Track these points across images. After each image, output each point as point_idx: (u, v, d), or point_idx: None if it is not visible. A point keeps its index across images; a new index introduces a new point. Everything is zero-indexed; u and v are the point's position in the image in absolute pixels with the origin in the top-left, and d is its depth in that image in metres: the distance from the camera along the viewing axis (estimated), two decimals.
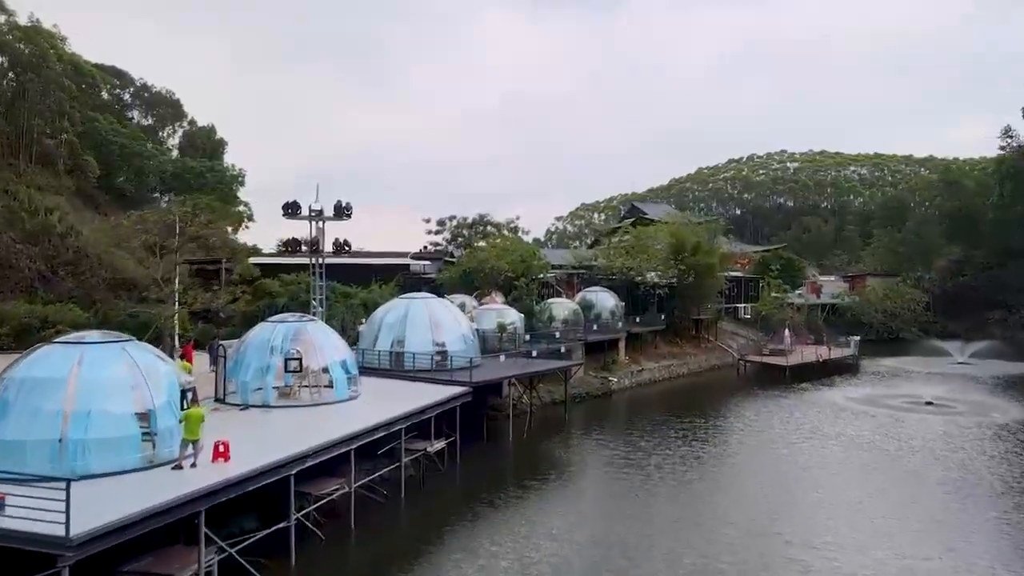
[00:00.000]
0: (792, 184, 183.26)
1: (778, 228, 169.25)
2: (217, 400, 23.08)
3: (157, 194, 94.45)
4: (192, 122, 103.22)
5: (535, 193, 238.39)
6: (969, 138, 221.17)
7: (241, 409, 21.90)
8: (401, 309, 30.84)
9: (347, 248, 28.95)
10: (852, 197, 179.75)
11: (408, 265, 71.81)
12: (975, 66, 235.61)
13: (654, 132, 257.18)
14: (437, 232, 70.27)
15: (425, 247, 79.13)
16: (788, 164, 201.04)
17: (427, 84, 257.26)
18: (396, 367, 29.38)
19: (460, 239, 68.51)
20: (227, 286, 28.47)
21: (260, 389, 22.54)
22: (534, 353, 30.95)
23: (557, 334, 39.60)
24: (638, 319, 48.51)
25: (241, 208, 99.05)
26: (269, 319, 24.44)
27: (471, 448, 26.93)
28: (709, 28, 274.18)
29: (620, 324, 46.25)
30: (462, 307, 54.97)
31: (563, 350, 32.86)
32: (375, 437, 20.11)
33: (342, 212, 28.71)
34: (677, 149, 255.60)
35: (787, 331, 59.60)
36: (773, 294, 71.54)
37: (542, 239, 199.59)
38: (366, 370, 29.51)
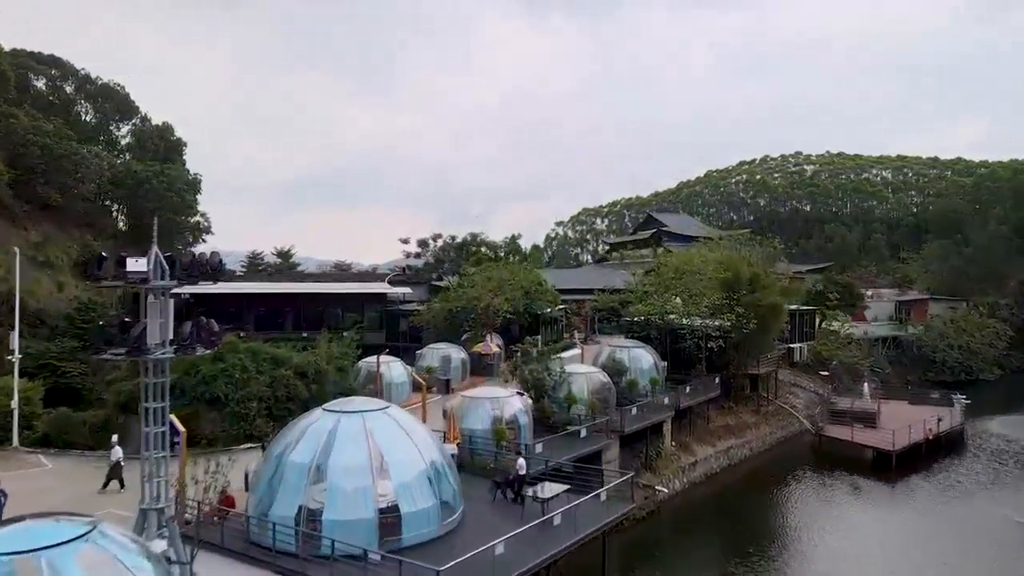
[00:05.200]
0: (812, 188, 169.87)
1: (797, 236, 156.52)
2: None
3: (109, 202, 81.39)
4: (145, 119, 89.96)
5: (535, 195, 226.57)
6: (970, 139, 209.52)
7: None
8: (321, 432, 17.47)
9: (210, 336, 15.54)
10: (876, 202, 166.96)
11: (385, 294, 58.51)
12: (972, 66, 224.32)
13: (656, 134, 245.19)
14: (418, 255, 56.55)
15: (407, 267, 65.69)
16: (805, 167, 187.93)
17: (428, 87, 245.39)
18: (305, 552, 16.03)
19: (447, 263, 55.22)
20: None
21: None
22: (558, 520, 17.50)
23: (583, 432, 26.18)
24: (687, 388, 35.06)
25: (198, 219, 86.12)
26: None
27: None
28: (709, 30, 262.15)
29: (665, 398, 32.82)
30: (447, 360, 41.96)
31: (604, 497, 19.35)
32: None
33: (201, 272, 15.34)
34: (681, 149, 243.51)
35: (867, 385, 46.44)
36: (831, 325, 58.37)
37: (542, 245, 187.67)
38: (252, 555, 16.32)
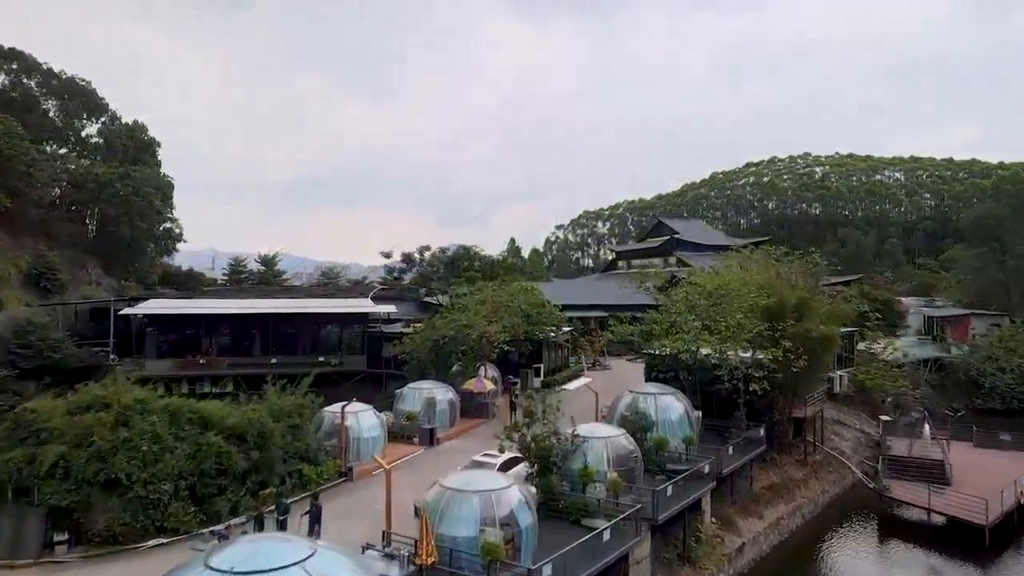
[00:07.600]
0: (823, 191, 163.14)
1: (808, 241, 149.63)
2: None
3: (75, 207, 74.26)
4: (114, 117, 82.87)
5: (535, 195, 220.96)
6: (969, 139, 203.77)
7: None
8: None
9: None
10: (890, 205, 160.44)
11: (367, 314, 51.52)
12: (972, 66, 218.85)
13: (656, 134, 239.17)
14: (402, 271, 49.38)
15: (397, 277, 58.64)
16: (815, 168, 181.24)
17: (428, 87, 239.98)
18: None
19: (436, 279, 48.18)
20: None
21: None
22: None
23: (606, 534, 19.21)
24: (729, 447, 28.09)
25: (168, 225, 79.10)
26: None
27: None
28: (710, 30, 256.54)
29: (705, 465, 25.84)
30: (431, 402, 35.14)
31: None
32: None
33: None
34: (681, 149, 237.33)
35: (927, 424, 39.61)
36: (872, 348, 51.43)
37: (541, 249, 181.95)
38: None
